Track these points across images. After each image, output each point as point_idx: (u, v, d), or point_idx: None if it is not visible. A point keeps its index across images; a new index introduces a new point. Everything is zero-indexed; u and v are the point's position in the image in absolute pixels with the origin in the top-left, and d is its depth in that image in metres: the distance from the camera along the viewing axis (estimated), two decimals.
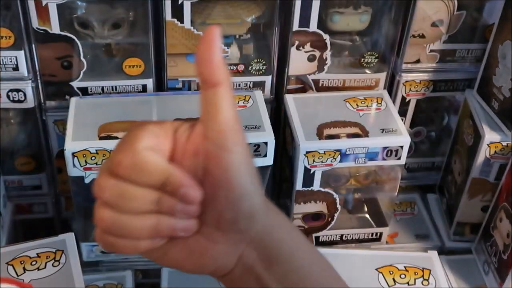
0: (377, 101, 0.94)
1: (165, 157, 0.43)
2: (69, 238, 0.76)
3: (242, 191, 0.43)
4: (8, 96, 0.88)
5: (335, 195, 0.92)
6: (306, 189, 0.90)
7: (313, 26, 0.89)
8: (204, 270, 0.48)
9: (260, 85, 0.94)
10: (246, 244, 0.45)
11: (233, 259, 0.46)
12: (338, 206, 0.94)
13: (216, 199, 0.43)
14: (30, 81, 0.87)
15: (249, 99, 0.90)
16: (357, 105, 0.93)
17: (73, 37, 0.85)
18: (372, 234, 1.00)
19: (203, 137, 0.42)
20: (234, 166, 0.42)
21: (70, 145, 0.79)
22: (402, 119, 1.00)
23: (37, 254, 0.74)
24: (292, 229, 0.49)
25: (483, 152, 0.92)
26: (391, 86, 0.99)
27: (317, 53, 0.93)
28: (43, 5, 0.81)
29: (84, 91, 0.90)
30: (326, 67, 0.95)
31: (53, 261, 0.74)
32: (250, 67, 0.92)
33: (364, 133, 0.88)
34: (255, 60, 0.92)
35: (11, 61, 0.86)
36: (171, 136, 0.43)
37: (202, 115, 0.42)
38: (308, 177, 0.89)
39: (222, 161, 0.42)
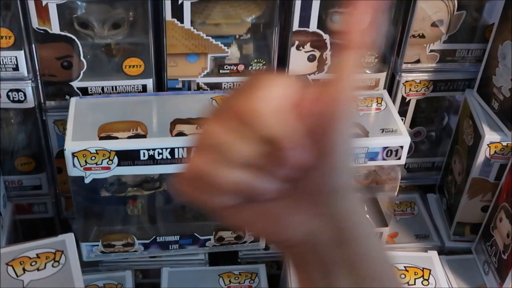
0: (377, 101, 0.94)
1: (285, 112, 0.40)
2: (68, 238, 0.76)
3: (339, 164, 0.42)
4: (8, 96, 0.88)
5: None
6: None
7: (313, 26, 0.89)
8: (272, 237, 0.47)
9: None
10: (322, 220, 0.44)
11: (305, 232, 0.44)
12: None
13: (314, 168, 0.41)
14: (30, 81, 0.87)
15: None
16: (357, 105, 0.93)
17: (73, 37, 0.85)
18: None
19: (321, 101, 0.40)
20: (339, 136, 0.41)
21: (70, 145, 0.79)
22: (402, 119, 1.00)
23: (36, 254, 0.74)
24: (364, 216, 0.47)
25: (483, 152, 0.92)
26: (391, 86, 0.99)
27: (317, 53, 0.93)
28: (43, 5, 0.81)
29: (84, 91, 0.90)
30: (326, 67, 0.95)
31: (52, 261, 0.74)
32: (250, 67, 0.92)
33: (364, 133, 0.88)
34: (255, 60, 0.92)
35: (11, 61, 0.86)
36: (297, 91, 0.41)
37: (332, 77, 0.41)
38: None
39: (333, 131, 0.40)
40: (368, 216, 0.47)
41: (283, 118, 0.40)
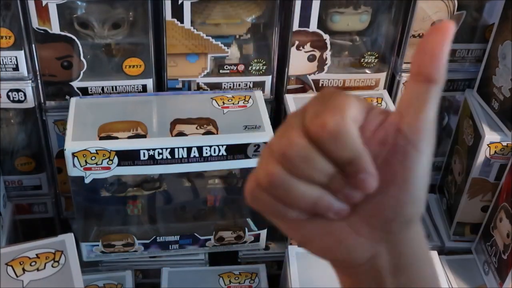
0: (377, 101, 0.94)
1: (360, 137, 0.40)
2: (68, 238, 0.76)
3: (414, 195, 0.41)
4: (8, 96, 0.88)
5: None
6: None
7: (313, 26, 0.89)
8: (332, 257, 0.46)
9: (260, 85, 0.94)
10: (385, 246, 0.44)
11: (367, 255, 0.44)
12: None
13: (384, 193, 0.41)
14: (30, 81, 0.87)
15: (249, 99, 0.90)
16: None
17: (73, 37, 0.85)
18: None
19: (396, 128, 0.40)
20: (418, 167, 0.40)
21: (70, 145, 0.79)
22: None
23: (36, 254, 0.74)
24: (425, 243, 0.47)
25: (483, 152, 0.92)
26: (391, 86, 0.99)
27: (317, 53, 0.93)
28: (43, 5, 0.81)
29: (84, 91, 0.90)
30: (326, 67, 0.95)
31: (52, 261, 0.73)
32: (250, 67, 0.92)
33: None
34: (255, 60, 0.92)
35: (11, 61, 0.86)
36: (365, 115, 0.41)
37: (402, 106, 0.40)
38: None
39: (408, 159, 0.40)
40: (427, 243, 0.48)
41: (360, 141, 0.40)
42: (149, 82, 0.91)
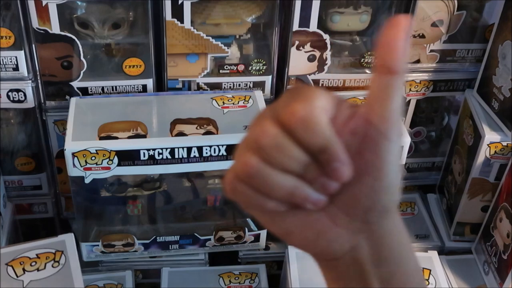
0: None
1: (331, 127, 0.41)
2: (68, 238, 0.76)
3: (388, 182, 0.42)
4: (8, 96, 0.88)
5: None
6: None
7: (313, 26, 0.89)
8: (313, 249, 0.46)
9: (260, 85, 0.94)
10: (364, 236, 0.44)
11: (346, 247, 0.45)
12: None
13: (359, 183, 0.42)
14: (30, 81, 0.87)
15: (249, 99, 0.90)
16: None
17: (73, 37, 0.85)
18: None
19: (365, 120, 0.41)
20: (389, 156, 0.41)
21: (70, 145, 0.79)
22: (402, 119, 1.00)
23: (36, 255, 0.74)
24: (406, 234, 0.48)
25: (483, 152, 0.92)
26: None
27: (317, 53, 0.93)
28: (43, 5, 0.81)
29: (84, 91, 0.90)
30: (326, 67, 0.95)
31: (52, 261, 0.73)
32: (250, 67, 0.92)
33: None
34: (255, 60, 0.92)
35: (11, 61, 0.86)
36: (336, 107, 0.42)
37: (370, 99, 0.42)
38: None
39: (379, 148, 0.41)
40: (408, 235, 0.48)
41: (332, 130, 0.41)
42: (149, 82, 0.91)
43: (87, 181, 0.82)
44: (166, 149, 0.81)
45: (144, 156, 0.81)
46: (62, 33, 0.84)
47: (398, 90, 0.41)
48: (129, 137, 0.82)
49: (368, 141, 0.41)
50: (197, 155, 0.82)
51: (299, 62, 0.93)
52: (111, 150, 0.80)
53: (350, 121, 0.42)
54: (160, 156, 0.81)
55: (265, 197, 0.42)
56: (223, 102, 0.89)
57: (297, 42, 0.91)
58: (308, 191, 0.42)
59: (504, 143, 0.91)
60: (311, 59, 0.93)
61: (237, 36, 0.91)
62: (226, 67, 0.92)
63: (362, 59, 0.95)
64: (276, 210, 0.43)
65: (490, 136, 0.91)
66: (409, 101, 1.01)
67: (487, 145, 0.91)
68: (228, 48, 0.90)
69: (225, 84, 0.93)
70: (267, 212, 0.43)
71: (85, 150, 0.79)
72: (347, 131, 0.42)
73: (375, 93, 0.41)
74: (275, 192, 0.42)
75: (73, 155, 0.79)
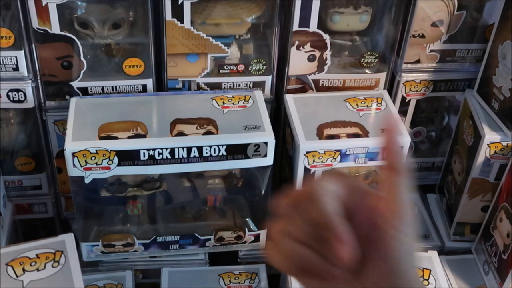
0: (377, 101, 0.94)
1: (338, 207, 0.46)
2: (68, 238, 0.76)
3: (396, 267, 0.46)
4: (8, 96, 0.88)
5: None
6: None
7: (313, 26, 0.89)
8: None
9: (260, 85, 0.94)
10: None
11: None
12: None
13: (372, 266, 0.46)
14: (30, 81, 0.87)
15: (249, 99, 0.90)
16: (357, 105, 0.93)
17: (73, 37, 0.85)
18: None
19: (375, 209, 0.46)
20: (399, 244, 0.45)
21: (70, 145, 0.79)
22: (402, 119, 1.00)
23: (36, 255, 0.74)
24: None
25: (483, 152, 0.92)
26: (391, 86, 0.99)
27: (317, 53, 0.93)
28: (43, 5, 0.81)
29: (84, 91, 0.90)
30: (326, 67, 0.95)
31: (52, 261, 0.73)
32: (250, 67, 0.92)
33: (364, 133, 0.88)
34: (255, 60, 0.92)
35: (11, 61, 0.86)
36: (349, 192, 0.47)
37: (381, 190, 0.47)
38: (308, 177, 0.89)
39: (386, 236, 0.45)
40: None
41: (333, 209, 0.45)
42: (149, 82, 0.91)
43: (87, 181, 0.82)
44: (166, 149, 0.81)
45: (144, 156, 0.81)
46: (62, 33, 0.84)
47: (403, 187, 0.46)
48: (129, 137, 0.82)
49: (377, 229, 0.46)
50: (197, 155, 0.82)
51: (299, 62, 0.93)
52: (111, 150, 0.80)
53: (362, 207, 0.47)
54: (160, 156, 0.81)
55: (289, 260, 0.47)
56: (223, 102, 0.89)
57: (297, 42, 0.91)
58: (321, 262, 0.46)
59: (504, 143, 0.91)
60: (311, 59, 0.93)
61: (237, 36, 0.91)
62: (226, 67, 0.92)
63: (362, 59, 0.95)
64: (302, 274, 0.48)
65: (490, 136, 0.91)
66: (409, 101, 1.01)
67: (487, 145, 0.91)
68: (228, 48, 0.90)
69: (225, 84, 0.93)
70: (297, 274, 0.48)
71: (85, 150, 0.79)
72: (358, 217, 0.46)
73: (384, 187, 0.47)
74: (291, 257, 0.47)
75: (73, 155, 0.79)
